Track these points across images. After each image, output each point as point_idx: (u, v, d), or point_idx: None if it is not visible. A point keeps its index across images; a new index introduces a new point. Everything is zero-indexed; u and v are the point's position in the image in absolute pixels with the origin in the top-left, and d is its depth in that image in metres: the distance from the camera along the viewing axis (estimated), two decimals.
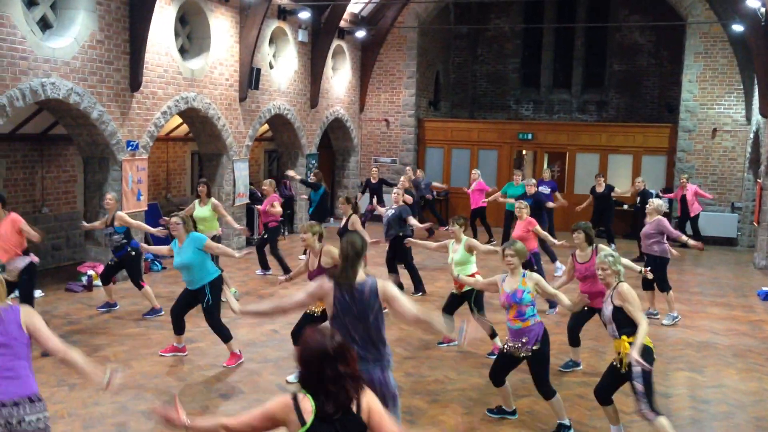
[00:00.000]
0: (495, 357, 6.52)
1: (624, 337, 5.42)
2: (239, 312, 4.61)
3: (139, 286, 9.46)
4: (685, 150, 17.30)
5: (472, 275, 7.88)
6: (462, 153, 19.25)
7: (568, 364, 7.73)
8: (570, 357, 7.78)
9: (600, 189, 15.03)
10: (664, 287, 9.76)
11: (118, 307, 9.68)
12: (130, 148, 11.25)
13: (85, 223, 10.01)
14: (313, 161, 17.28)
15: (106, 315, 9.42)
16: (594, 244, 7.48)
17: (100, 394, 6.63)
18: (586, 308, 7.48)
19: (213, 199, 10.72)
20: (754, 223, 15.26)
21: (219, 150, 13.91)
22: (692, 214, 15.55)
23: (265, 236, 11.99)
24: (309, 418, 2.96)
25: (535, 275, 6.25)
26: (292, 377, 7.12)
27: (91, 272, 10.84)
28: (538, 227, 9.93)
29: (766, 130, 14.23)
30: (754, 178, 15.79)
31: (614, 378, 5.64)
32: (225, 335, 7.59)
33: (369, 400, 3.10)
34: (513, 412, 6.43)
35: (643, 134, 18.10)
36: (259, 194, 12.43)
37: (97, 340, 8.32)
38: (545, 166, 18.98)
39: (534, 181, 13.64)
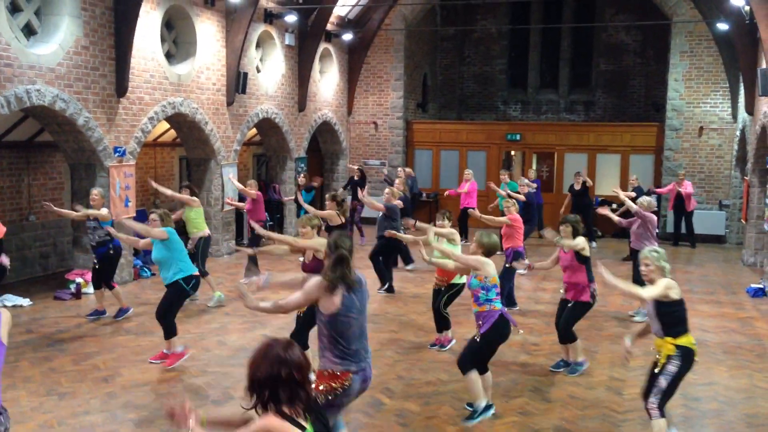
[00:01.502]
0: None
1: (668, 339, 5.38)
2: (251, 307, 4.75)
3: (110, 287, 9.46)
4: (673, 148, 17.39)
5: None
6: (451, 154, 19.27)
7: (558, 364, 7.72)
8: (561, 357, 7.77)
9: (578, 186, 15.31)
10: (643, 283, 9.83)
11: (107, 314, 9.61)
12: (117, 154, 11.18)
13: (49, 204, 9.70)
14: (302, 165, 17.24)
15: (95, 323, 9.34)
16: (578, 238, 7.56)
17: (90, 403, 6.58)
18: (563, 300, 7.64)
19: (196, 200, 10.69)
20: (742, 220, 15.36)
21: (207, 155, 13.86)
22: (689, 209, 15.80)
23: (257, 236, 11.96)
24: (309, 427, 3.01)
25: (483, 259, 6.30)
26: None
27: (79, 280, 10.76)
28: (517, 226, 10.15)
29: (752, 127, 14.32)
30: (741, 175, 15.89)
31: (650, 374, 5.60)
32: (167, 330, 7.60)
33: None
34: (488, 407, 6.45)
35: (630, 133, 18.19)
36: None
37: (86, 348, 8.25)
38: (533, 166, 19.06)
39: (527, 180, 13.72)
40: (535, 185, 15.29)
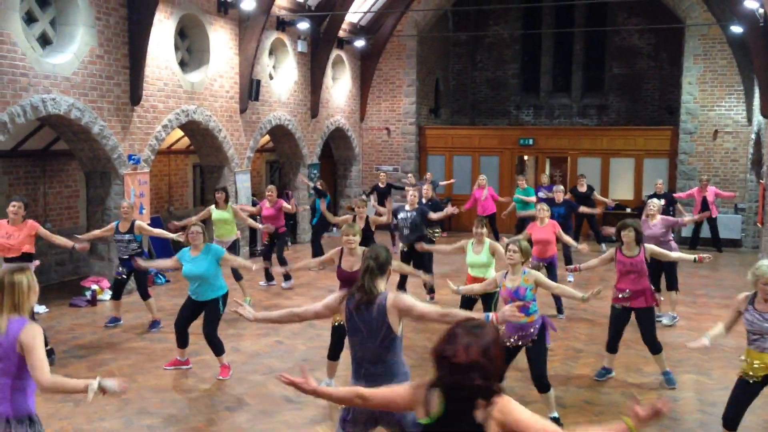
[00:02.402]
0: None
1: None
2: (253, 319, 4.51)
3: (147, 296, 9.44)
4: (687, 152, 17.28)
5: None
6: (463, 160, 19.24)
7: (601, 373, 7.56)
8: (603, 364, 7.62)
9: (582, 189, 15.13)
10: (674, 285, 9.74)
11: (122, 322, 9.66)
12: (131, 161, 11.27)
13: (78, 237, 9.53)
14: (315, 171, 17.29)
15: (111, 329, 9.40)
16: (642, 242, 7.29)
17: (105, 409, 6.62)
18: (621, 308, 7.27)
19: (231, 204, 10.96)
20: (758, 224, 15.22)
21: (220, 162, 13.93)
22: (713, 215, 15.58)
23: (274, 242, 11.92)
24: (433, 413, 2.86)
25: (535, 273, 6.35)
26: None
27: (95, 287, 10.83)
28: (561, 231, 9.92)
29: (767, 130, 14.21)
30: (757, 178, 15.76)
31: (746, 396, 5.39)
32: (219, 348, 7.55)
33: (503, 408, 2.85)
34: None
35: (644, 137, 18.09)
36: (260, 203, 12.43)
37: (101, 354, 8.30)
38: (546, 171, 18.98)
39: (562, 187, 13.29)
40: (549, 193, 15.15)
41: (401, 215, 10.63)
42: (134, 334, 9.16)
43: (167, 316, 9.48)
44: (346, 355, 6.80)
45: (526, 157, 20.37)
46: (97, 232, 9.66)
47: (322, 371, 7.65)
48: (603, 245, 15.20)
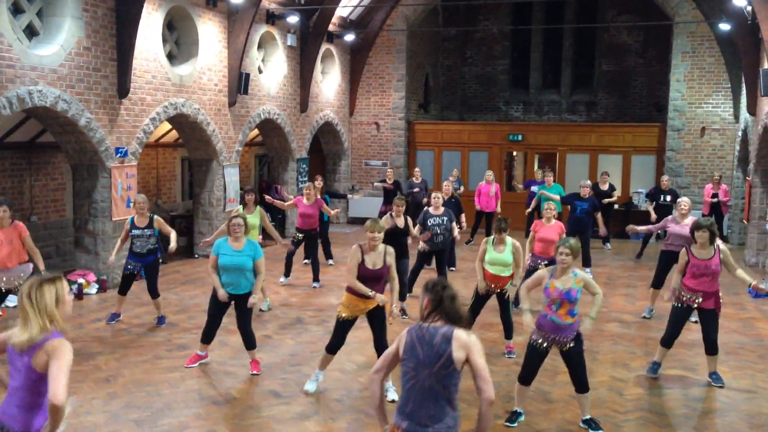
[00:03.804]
0: (526, 357, 6.33)
1: None
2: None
3: (157, 294, 9.25)
4: (674, 149, 17.38)
5: (510, 276, 8.00)
6: (452, 155, 19.26)
7: (653, 368, 7.51)
8: (655, 359, 7.57)
9: (604, 187, 15.09)
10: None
11: (121, 316, 9.52)
12: (119, 154, 11.20)
13: (112, 258, 9.34)
14: (304, 166, 17.26)
15: (98, 323, 9.33)
16: (715, 243, 7.17)
17: (92, 403, 6.59)
18: (686, 307, 7.23)
19: (260, 208, 10.39)
20: (744, 221, 15.33)
21: (209, 155, 13.87)
22: (724, 214, 15.53)
23: (302, 242, 11.72)
24: None
25: (585, 274, 6.24)
26: (308, 386, 6.99)
27: (81, 280, 10.77)
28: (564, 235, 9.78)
29: (754, 127, 14.30)
30: (743, 175, 15.87)
31: None
32: (253, 342, 7.55)
33: None
34: (521, 414, 6.40)
35: (632, 134, 18.18)
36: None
37: (87, 348, 8.26)
38: (536, 167, 19.03)
39: (590, 182, 12.93)
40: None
41: (432, 221, 9.88)
42: (120, 328, 9.12)
43: (153, 310, 9.43)
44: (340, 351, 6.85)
45: (515, 153, 20.42)
46: (119, 243, 9.35)
47: (310, 366, 7.65)
48: (608, 245, 15.32)
